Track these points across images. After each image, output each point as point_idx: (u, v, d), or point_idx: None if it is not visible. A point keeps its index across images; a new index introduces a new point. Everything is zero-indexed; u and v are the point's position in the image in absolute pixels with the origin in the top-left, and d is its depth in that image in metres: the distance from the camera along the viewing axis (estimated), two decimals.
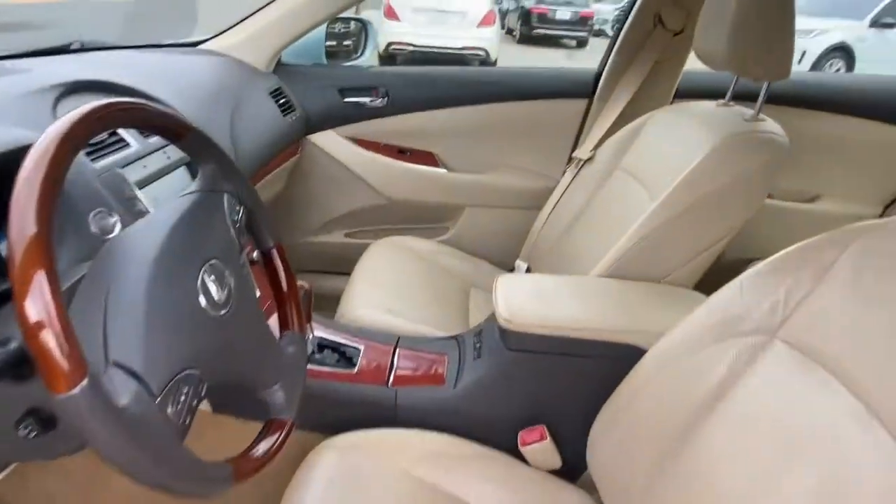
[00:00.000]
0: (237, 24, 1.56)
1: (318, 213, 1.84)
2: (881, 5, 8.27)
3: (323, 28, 1.81)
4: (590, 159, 1.54)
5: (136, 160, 0.91)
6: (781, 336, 0.69)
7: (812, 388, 0.63)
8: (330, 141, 1.74)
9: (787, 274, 0.71)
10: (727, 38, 1.04)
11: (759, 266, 0.76)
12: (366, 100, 1.72)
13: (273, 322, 0.76)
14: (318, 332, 1.15)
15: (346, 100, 1.72)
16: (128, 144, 0.92)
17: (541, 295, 1.06)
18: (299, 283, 0.84)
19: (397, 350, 1.15)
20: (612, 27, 13.98)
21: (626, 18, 1.63)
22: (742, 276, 0.77)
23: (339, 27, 1.98)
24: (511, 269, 1.77)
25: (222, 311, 0.59)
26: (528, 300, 1.04)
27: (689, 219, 1.07)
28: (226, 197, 0.68)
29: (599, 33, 13.68)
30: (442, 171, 1.80)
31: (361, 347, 1.14)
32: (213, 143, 0.67)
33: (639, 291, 1.09)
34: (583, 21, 11.91)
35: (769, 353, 0.69)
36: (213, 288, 0.59)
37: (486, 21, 8.10)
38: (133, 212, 0.79)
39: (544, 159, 1.76)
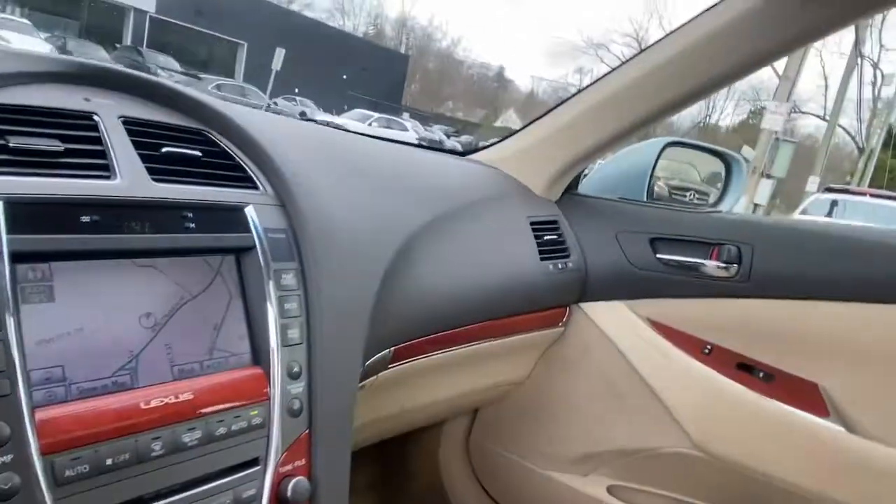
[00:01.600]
0: (507, 137, 1.14)
1: (574, 438, 1.09)
2: None
3: (651, 157, 1.19)
4: None
5: None
6: None
7: None
8: (617, 319, 1.03)
9: None
10: None
11: None
12: (698, 262, 0.98)
13: None
14: None
15: (661, 256, 1.00)
16: None
17: None
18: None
19: None
20: None
21: None
22: None
23: (681, 165, 1.33)
24: None
25: None
26: None
27: None
28: None
29: None
30: (833, 426, 0.88)
31: None
32: None
33: None
34: None
35: None
36: None
37: None
38: None
39: None
